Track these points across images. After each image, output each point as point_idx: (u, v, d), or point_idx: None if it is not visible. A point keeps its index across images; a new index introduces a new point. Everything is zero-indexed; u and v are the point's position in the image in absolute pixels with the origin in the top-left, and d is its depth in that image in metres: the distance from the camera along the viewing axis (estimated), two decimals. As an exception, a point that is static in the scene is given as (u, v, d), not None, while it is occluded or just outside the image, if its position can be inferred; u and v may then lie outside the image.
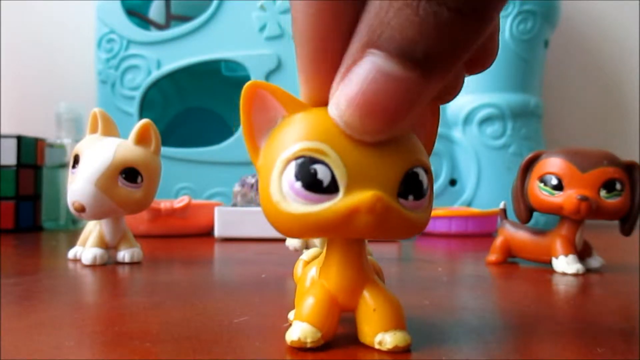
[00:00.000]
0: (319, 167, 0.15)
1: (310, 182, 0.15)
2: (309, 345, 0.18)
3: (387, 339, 0.17)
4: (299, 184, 0.16)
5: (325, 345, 0.18)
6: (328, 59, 0.15)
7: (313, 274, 0.20)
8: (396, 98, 0.14)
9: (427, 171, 0.17)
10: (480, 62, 0.18)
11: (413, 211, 0.16)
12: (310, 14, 0.15)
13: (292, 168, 0.16)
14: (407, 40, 0.13)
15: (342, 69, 0.15)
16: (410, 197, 0.16)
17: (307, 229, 0.16)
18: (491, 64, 0.18)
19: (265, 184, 0.16)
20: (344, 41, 0.15)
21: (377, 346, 0.18)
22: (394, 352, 0.17)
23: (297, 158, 0.16)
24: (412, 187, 0.16)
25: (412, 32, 0.13)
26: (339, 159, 0.15)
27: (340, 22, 0.15)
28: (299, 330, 0.18)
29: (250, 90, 0.17)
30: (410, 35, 0.13)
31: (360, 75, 0.14)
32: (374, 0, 0.14)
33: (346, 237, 0.18)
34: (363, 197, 0.15)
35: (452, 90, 0.18)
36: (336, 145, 0.16)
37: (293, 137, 0.16)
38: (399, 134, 0.16)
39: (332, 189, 0.16)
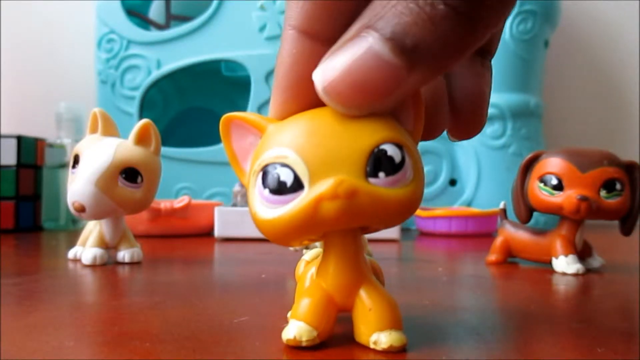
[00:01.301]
0: (280, 170, 0.16)
1: (275, 186, 0.16)
2: (304, 344, 0.18)
3: (382, 339, 0.17)
4: (266, 191, 0.16)
5: (321, 344, 0.18)
6: (300, 92, 0.17)
7: (312, 274, 0.20)
8: (378, 79, 0.15)
9: (402, 146, 0.16)
10: (466, 128, 0.19)
11: (390, 188, 0.16)
12: (293, 54, 0.16)
13: (260, 177, 0.17)
14: (401, 27, 0.14)
15: (336, 45, 0.15)
16: (382, 175, 0.16)
17: (285, 233, 0.16)
18: (477, 133, 0.19)
19: (249, 199, 0.17)
20: None
21: (372, 346, 0.18)
22: (389, 351, 0.17)
23: (263, 167, 0.16)
24: (382, 164, 0.16)
25: (407, 20, 0.14)
26: (297, 157, 0.16)
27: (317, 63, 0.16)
28: (295, 328, 0.18)
29: (225, 123, 0.18)
30: (405, 23, 0.14)
31: (351, 50, 0.15)
32: None
33: (329, 231, 0.18)
34: (325, 185, 0.16)
35: (432, 132, 0.19)
36: (295, 145, 0.16)
37: (262, 149, 0.17)
38: (371, 113, 0.16)
39: (297, 187, 0.16)
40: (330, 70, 0.15)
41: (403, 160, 0.16)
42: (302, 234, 0.17)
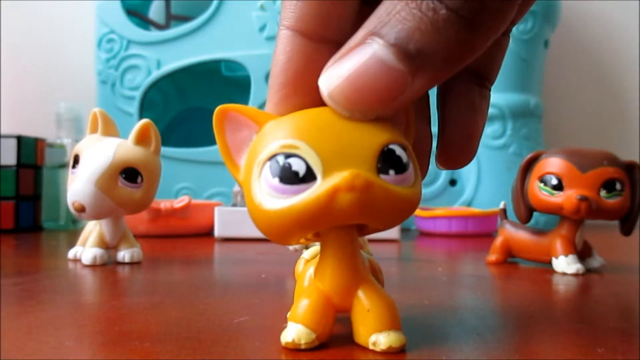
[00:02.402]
0: (292, 160, 0.16)
1: (286, 176, 0.16)
2: (303, 347, 0.18)
3: (381, 340, 0.17)
4: (276, 180, 0.16)
5: (321, 345, 0.18)
6: (295, 91, 0.17)
7: (311, 273, 0.20)
8: (383, 85, 0.15)
9: (405, 148, 0.17)
10: (455, 160, 0.19)
11: (398, 185, 0.16)
12: (286, 51, 0.17)
13: (268, 167, 0.16)
14: (404, 32, 0.14)
15: (341, 51, 0.16)
16: (392, 172, 0.16)
17: (293, 225, 0.16)
18: (465, 165, 0.20)
19: (249, 192, 0.17)
20: (312, 80, 0.17)
21: (371, 347, 0.18)
22: (388, 352, 0.17)
23: (271, 158, 0.16)
24: (391, 162, 0.16)
25: (410, 25, 0.14)
26: (310, 149, 0.16)
27: (312, 64, 0.16)
28: (294, 331, 0.18)
29: (220, 114, 0.18)
30: (409, 28, 0.14)
31: (356, 56, 0.15)
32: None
33: (337, 225, 0.17)
34: (341, 176, 0.15)
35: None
36: (307, 137, 0.16)
37: (267, 141, 0.17)
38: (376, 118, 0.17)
39: (309, 178, 0.16)
40: (335, 76, 0.15)
41: (408, 162, 0.17)
42: (311, 226, 0.16)
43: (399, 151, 0.16)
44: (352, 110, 0.16)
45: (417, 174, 0.17)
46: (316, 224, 0.16)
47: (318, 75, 0.16)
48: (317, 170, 0.16)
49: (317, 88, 0.17)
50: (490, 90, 0.20)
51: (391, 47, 0.14)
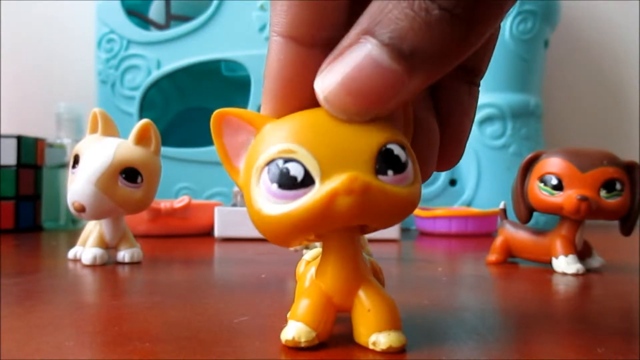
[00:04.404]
0: (290, 165, 0.16)
1: (285, 181, 0.16)
2: (303, 345, 0.18)
3: (381, 340, 0.17)
4: (274, 186, 0.16)
5: (321, 344, 0.18)
6: (290, 96, 0.17)
7: (312, 274, 0.20)
8: (378, 86, 0.15)
9: (404, 147, 0.17)
10: (441, 163, 0.19)
11: (397, 185, 0.16)
12: (280, 59, 0.17)
13: (266, 173, 0.16)
14: (398, 32, 0.14)
15: (335, 51, 0.16)
16: (390, 172, 0.16)
17: (293, 229, 0.16)
18: (451, 168, 0.20)
19: (249, 196, 0.17)
20: (305, 84, 0.16)
21: (371, 346, 0.18)
22: (388, 352, 0.17)
23: (268, 163, 0.16)
24: (390, 162, 0.16)
25: (404, 25, 0.14)
26: (308, 153, 0.16)
27: (305, 69, 0.16)
28: (294, 329, 0.18)
29: (218, 119, 0.18)
30: (402, 28, 0.14)
31: (351, 57, 0.15)
32: None
33: (338, 228, 0.17)
34: (339, 180, 0.15)
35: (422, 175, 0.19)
36: (304, 141, 0.16)
37: (264, 146, 0.17)
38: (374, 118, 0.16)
39: (307, 182, 0.16)
40: (330, 78, 0.15)
41: (407, 161, 0.17)
42: (311, 229, 0.16)
43: (397, 150, 0.16)
44: (349, 113, 0.16)
45: (417, 172, 0.17)
46: (316, 227, 0.16)
47: (313, 81, 0.16)
48: (315, 174, 0.16)
49: (312, 93, 0.16)
50: (479, 85, 0.20)
51: (385, 47, 0.14)
